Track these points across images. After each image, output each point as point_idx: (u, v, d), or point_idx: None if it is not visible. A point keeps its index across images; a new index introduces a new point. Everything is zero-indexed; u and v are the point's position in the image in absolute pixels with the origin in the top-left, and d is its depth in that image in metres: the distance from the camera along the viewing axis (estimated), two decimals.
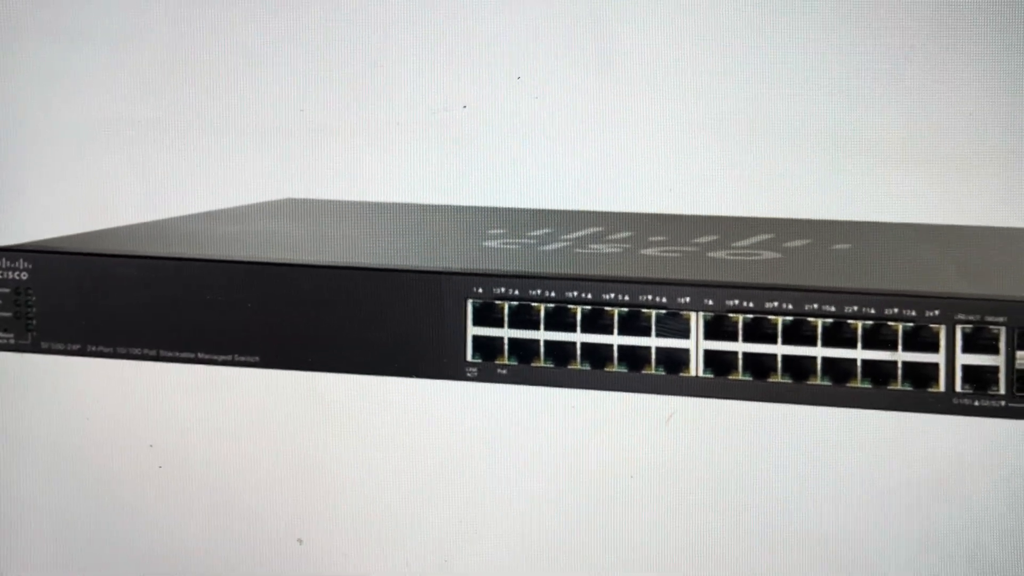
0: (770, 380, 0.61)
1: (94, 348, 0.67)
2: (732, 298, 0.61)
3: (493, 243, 0.70)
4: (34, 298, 0.67)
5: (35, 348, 0.67)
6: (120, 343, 0.67)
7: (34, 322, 0.67)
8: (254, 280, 0.65)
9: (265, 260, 0.66)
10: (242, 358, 0.65)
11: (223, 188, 0.77)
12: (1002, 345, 0.58)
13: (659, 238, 0.71)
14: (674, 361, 0.62)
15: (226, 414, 0.69)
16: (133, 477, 0.70)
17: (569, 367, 0.63)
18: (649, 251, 0.69)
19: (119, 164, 0.77)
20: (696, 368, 0.61)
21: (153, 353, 0.66)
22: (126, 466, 0.70)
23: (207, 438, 0.69)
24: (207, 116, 0.77)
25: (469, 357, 0.63)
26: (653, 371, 0.62)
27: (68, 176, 0.77)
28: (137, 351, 0.67)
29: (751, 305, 0.61)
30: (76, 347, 0.67)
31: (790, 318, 0.60)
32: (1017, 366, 0.58)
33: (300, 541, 0.68)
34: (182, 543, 0.69)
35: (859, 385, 0.60)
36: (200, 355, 0.66)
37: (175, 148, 0.77)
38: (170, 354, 0.66)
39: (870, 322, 0.59)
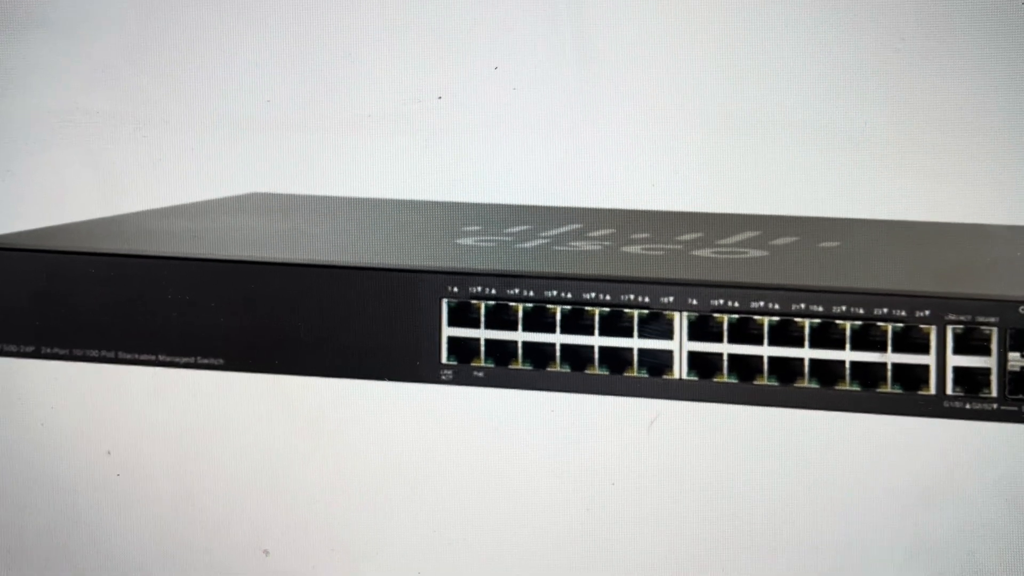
0: (756, 382, 0.61)
1: (49, 350, 0.66)
2: (717, 298, 0.61)
3: (468, 240, 0.69)
4: None
5: None
6: (77, 344, 0.66)
7: None
8: (218, 278, 0.64)
9: (229, 257, 0.65)
10: (205, 360, 0.65)
11: (185, 182, 0.77)
12: (994, 346, 0.58)
13: (641, 235, 0.71)
14: (657, 363, 0.61)
15: (188, 419, 0.68)
16: (90, 485, 0.69)
17: (548, 369, 0.62)
18: (631, 249, 0.68)
19: (75, 157, 0.76)
20: (680, 370, 0.61)
21: (111, 355, 0.66)
22: (82, 474, 0.69)
23: (168, 444, 0.68)
24: (167, 107, 0.76)
25: (444, 359, 0.63)
26: (635, 373, 0.61)
27: (21, 169, 0.76)
28: (95, 352, 0.66)
29: (736, 305, 0.60)
30: (30, 349, 0.66)
31: (777, 318, 0.60)
32: (1009, 368, 0.58)
33: (266, 552, 0.68)
34: (141, 554, 0.69)
35: (848, 387, 0.60)
36: (161, 357, 0.65)
37: (134, 140, 0.76)
38: (129, 356, 0.65)
39: (859, 322, 0.59)
